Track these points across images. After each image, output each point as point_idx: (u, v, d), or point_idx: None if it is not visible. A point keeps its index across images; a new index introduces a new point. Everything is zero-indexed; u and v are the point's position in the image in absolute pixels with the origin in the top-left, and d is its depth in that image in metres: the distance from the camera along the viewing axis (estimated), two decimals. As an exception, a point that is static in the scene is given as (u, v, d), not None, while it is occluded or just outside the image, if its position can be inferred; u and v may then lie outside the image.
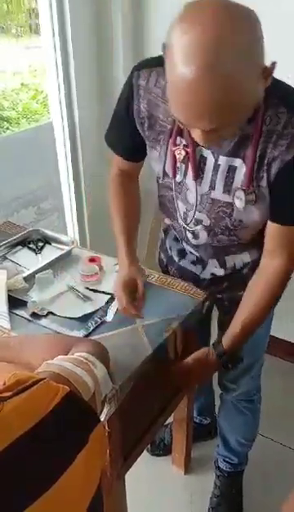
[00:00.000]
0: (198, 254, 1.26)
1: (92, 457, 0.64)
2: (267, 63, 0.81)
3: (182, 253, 1.32)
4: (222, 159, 1.00)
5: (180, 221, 1.17)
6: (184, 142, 1.02)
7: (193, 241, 1.19)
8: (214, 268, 1.27)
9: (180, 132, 1.01)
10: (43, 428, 0.58)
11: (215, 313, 1.44)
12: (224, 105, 0.77)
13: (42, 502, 0.55)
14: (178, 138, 1.02)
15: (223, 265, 1.25)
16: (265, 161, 0.95)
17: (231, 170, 1.00)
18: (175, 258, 1.34)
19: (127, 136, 1.12)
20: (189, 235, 1.19)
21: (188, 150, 1.01)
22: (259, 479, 1.74)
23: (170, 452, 1.79)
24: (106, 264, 1.41)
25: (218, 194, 1.04)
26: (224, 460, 1.65)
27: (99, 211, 1.99)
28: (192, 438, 1.73)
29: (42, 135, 2.01)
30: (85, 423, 0.65)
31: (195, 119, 0.81)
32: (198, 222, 1.12)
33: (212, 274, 1.28)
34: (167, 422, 1.59)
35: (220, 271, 1.26)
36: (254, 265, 1.19)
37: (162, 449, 1.82)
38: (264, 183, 0.97)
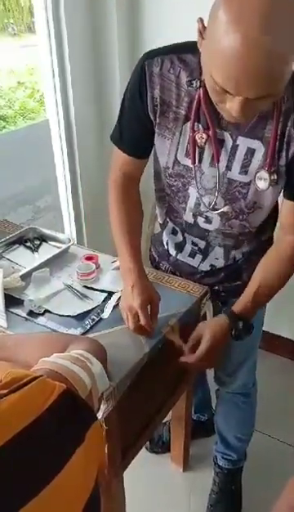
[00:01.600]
0: (202, 244, 1.24)
1: (89, 454, 0.64)
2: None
3: (180, 247, 1.30)
4: (240, 140, 1.02)
5: (190, 211, 1.16)
6: (201, 127, 1.03)
7: (205, 226, 1.19)
8: (214, 260, 1.26)
9: (198, 117, 1.03)
10: (40, 426, 0.58)
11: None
12: (276, 72, 0.78)
13: (40, 499, 0.55)
14: (195, 124, 1.03)
15: (226, 256, 1.25)
16: (285, 140, 0.98)
17: (249, 152, 1.02)
18: (172, 252, 1.33)
19: (136, 124, 1.11)
20: (201, 220, 1.18)
21: (209, 133, 1.02)
22: (258, 476, 1.74)
23: (168, 450, 1.79)
24: (103, 262, 1.41)
25: (235, 174, 1.06)
26: (222, 457, 1.65)
27: (96, 209, 1.99)
28: (190, 436, 1.73)
29: (39, 133, 2.01)
30: (82, 420, 0.65)
31: (245, 86, 0.80)
32: (212, 206, 1.11)
33: (212, 265, 1.28)
34: (165, 419, 1.59)
35: (221, 263, 1.26)
36: (249, 256, 1.23)
37: (161, 446, 1.83)
38: (283, 162, 1.01)
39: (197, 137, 1.04)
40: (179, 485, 1.75)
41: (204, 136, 1.03)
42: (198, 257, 1.28)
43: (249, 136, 1.00)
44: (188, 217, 1.19)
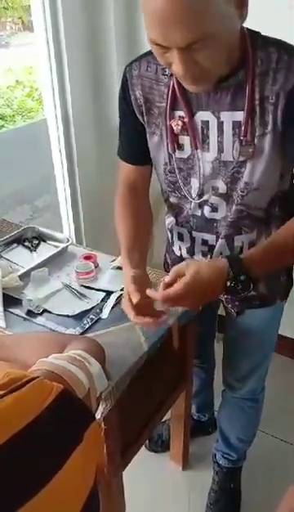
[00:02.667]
0: (212, 238, 1.18)
1: (88, 454, 0.64)
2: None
3: (191, 251, 1.26)
4: (224, 115, 0.98)
5: (194, 201, 1.13)
6: (179, 114, 1.02)
7: (212, 215, 1.13)
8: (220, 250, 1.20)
9: (173, 105, 1.02)
10: (38, 427, 0.58)
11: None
12: (192, 14, 0.77)
13: (38, 500, 0.55)
14: (173, 112, 1.03)
15: (231, 245, 1.18)
16: (269, 101, 0.93)
17: (236, 126, 0.98)
18: (186, 256, 1.28)
19: (132, 131, 1.13)
20: (207, 210, 1.13)
21: (185, 120, 1.00)
22: (258, 475, 1.74)
23: (168, 448, 1.79)
24: (102, 261, 1.41)
25: (228, 155, 1.02)
26: (222, 456, 1.65)
27: (95, 208, 1.99)
28: (190, 434, 1.73)
29: (37, 132, 2.01)
30: (80, 420, 0.65)
31: (170, 33, 0.80)
32: (214, 190, 1.08)
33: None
34: (164, 418, 1.59)
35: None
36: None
37: (161, 445, 1.83)
38: (270, 126, 0.94)
39: (173, 125, 1.02)
40: (178, 483, 1.75)
41: (179, 122, 1.01)
42: (208, 255, 1.23)
43: (232, 108, 0.96)
44: (194, 210, 1.15)
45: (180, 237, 1.26)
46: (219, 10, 0.80)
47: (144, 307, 0.98)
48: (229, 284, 0.92)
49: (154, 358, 1.14)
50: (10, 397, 0.57)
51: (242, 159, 0.99)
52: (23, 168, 2.01)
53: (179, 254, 1.30)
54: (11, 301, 1.25)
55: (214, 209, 1.13)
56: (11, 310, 1.23)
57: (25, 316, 1.21)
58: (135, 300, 0.98)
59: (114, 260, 1.41)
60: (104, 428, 1.04)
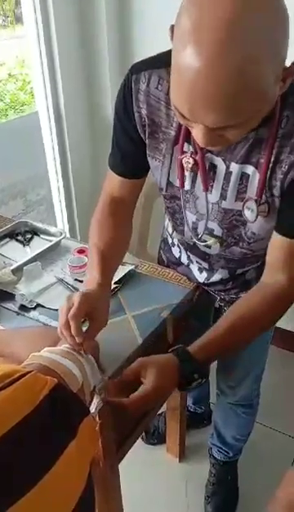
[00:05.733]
0: (205, 264, 1.17)
1: (82, 448, 0.64)
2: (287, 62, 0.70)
3: (190, 258, 1.24)
4: (234, 167, 0.90)
5: (189, 233, 1.07)
6: (191, 149, 0.92)
7: (205, 249, 1.10)
8: (220, 277, 1.19)
9: (187, 138, 0.92)
10: (32, 422, 0.57)
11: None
12: (232, 101, 0.66)
13: (33, 494, 0.55)
14: (185, 145, 0.93)
15: (232, 275, 1.17)
16: (281, 167, 0.85)
17: (244, 178, 0.90)
18: (184, 261, 1.26)
19: (132, 146, 1.01)
20: (200, 244, 1.09)
21: (196, 157, 0.91)
22: (255, 466, 1.75)
23: (164, 441, 1.80)
24: (95, 255, 1.40)
25: (229, 203, 0.95)
26: (218, 451, 1.66)
27: (88, 201, 1.98)
28: (186, 426, 1.73)
29: (30, 125, 1.99)
30: (73, 414, 0.65)
31: (202, 113, 0.69)
32: (209, 231, 1.03)
33: (220, 279, 1.20)
34: (160, 411, 1.59)
35: (227, 277, 1.19)
36: (259, 269, 1.08)
37: (157, 437, 1.83)
38: (277, 192, 0.88)
39: (183, 161, 0.93)
40: (175, 475, 1.76)
41: (191, 160, 0.92)
42: (204, 274, 1.22)
43: (243, 162, 0.88)
44: (187, 238, 1.12)
45: (179, 249, 1.23)
46: (266, 93, 0.69)
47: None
48: (181, 380, 0.87)
49: (148, 352, 1.14)
50: (3, 392, 0.57)
51: (254, 217, 0.92)
52: (16, 161, 2.00)
53: (178, 256, 1.28)
54: (4, 296, 1.24)
55: (207, 246, 1.08)
56: (3, 305, 1.22)
57: (18, 310, 1.20)
58: (73, 323, 0.86)
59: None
60: (100, 422, 1.04)
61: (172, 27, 0.71)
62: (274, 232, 0.92)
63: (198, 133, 0.75)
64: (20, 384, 0.59)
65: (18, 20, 3.05)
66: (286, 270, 0.92)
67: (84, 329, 0.87)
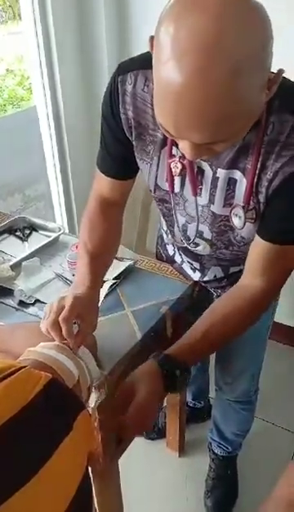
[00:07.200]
0: (197, 265, 1.17)
1: (78, 443, 0.64)
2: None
3: (182, 257, 1.23)
4: (221, 172, 0.88)
5: (179, 235, 1.07)
6: (179, 153, 0.90)
7: (196, 251, 1.10)
8: (214, 275, 1.19)
9: (175, 142, 0.87)
10: (26, 416, 0.57)
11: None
12: (219, 117, 0.64)
13: (28, 489, 0.55)
14: (173, 149, 0.91)
15: (226, 272, 1.17)
16: (266, 173, 0.83)
17: (231, 183, 0.89)
18: (178, 260, 1.26)
19: (121, 147, 0.99)
20: (191, 245, 1.08)
21: (184, 162, 0.90)
22: (255, 461, 1.75)
23: (164, 435, 1.80)
24: (94, 250, 1.40)
25: (217, 208, 0.94)
26: (218, 446, 1.66)
27: (87, 197, 1.98)
28: (185, 421, 1.73)
29: (28, 120, 1.98)
30: (69, 409, 0.65)
31: (187, 130, 0.67)
32: (199, 234, 1.02)
33: (214, 276, 1.20)
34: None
35: (222, 274, 1.19)
36: None
37: (157, 432, 1.83)
38: (262, 198, 0.87)
39: (171, 165, 0.92)
40: (175, 470, 1.76)
41: (179, 165, 0.90)
42: (197, 273, 1.22)
43: (230, 167, 0.87)
44: (178, 240, 1.11)
45: (173, 248, 1.23)
46: (253, 104, 0.68)
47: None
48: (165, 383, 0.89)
49: (147, 347, 1.14)
50: (-3, 387, 0.57)
51: (241, 224, 0.91)
52: (14, 157, 1.99)
53: (171, 254, 1.28)
54: (3, 291, 1.24)
55: (197, 246, 1.08)
56: (2, 300, 1.22)
57: (17, 306, 1.20)
58: (63, 325, 0.86)
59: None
60: (99, 418, 1.04)
61: (152, 38, 0.67)
62: (257, 236, 0.91)
63: (185, 147, 0.73)
64: (15, 378, 0.59)
65: (16, 16, 3.04)
66: (265, 276, 0.93)
67: (75, 331, 0.87)
